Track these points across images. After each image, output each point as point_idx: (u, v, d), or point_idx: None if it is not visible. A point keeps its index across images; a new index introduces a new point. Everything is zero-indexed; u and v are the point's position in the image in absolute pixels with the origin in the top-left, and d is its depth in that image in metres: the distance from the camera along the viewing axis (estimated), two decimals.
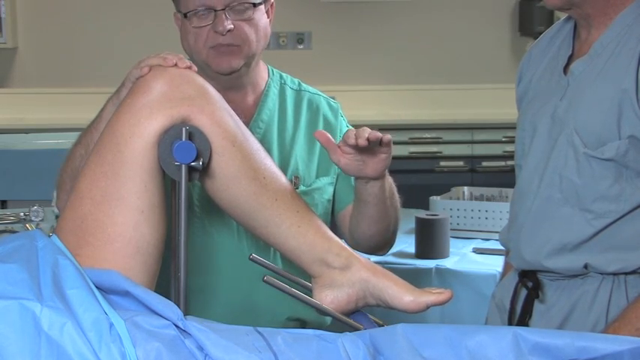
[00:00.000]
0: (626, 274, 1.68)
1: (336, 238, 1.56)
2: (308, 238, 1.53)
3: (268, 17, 1.91)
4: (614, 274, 1.69)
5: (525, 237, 1.78)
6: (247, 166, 1.50)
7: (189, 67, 1.53)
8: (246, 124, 1.93)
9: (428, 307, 1.50)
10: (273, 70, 2.02)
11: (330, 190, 1.97)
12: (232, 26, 1.82)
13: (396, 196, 1.91)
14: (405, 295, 1.50)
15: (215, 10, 1.81)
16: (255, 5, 1.85)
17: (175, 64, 1.52)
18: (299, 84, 2.03)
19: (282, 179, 1.55)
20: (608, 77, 1.67)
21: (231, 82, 1.90)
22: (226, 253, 1.87)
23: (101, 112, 1.74)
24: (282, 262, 1.83)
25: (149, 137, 1.42)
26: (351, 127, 2.02)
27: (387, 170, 1.78)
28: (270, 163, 1.55)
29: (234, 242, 1.87)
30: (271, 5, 1.93)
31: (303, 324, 1.90)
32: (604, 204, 1.67)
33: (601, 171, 1.68)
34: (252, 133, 1.92)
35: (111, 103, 1.69)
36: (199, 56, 1.86)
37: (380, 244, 1.96)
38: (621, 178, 1.66)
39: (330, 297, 1.53)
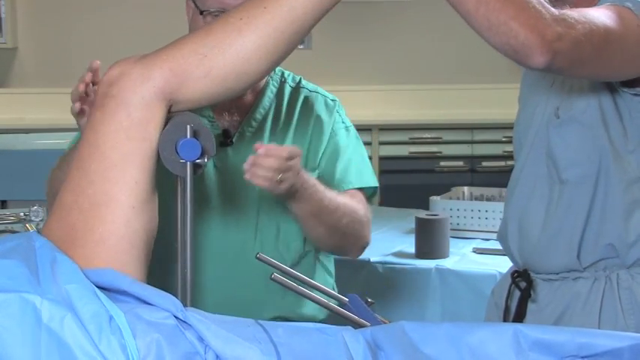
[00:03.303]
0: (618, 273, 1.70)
1: None
2: None
3: None
4: (605, 274, 1.70)
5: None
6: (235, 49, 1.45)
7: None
8: (241, 121, 1.95)
9: None
10: (275, 69, 2.03)
11: None
12: None
13: (344, 221, 1.89)
14: None
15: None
16: None
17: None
18: (299, 81, 2.04)
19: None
20: None
21: None
22: (213, 248, 1.88)
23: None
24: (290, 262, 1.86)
25: (136, 134, 1.40)
26: (348, 123, 2.04)
27: (314, 198, 1.81)
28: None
29: (222, 237, 1.88)
30: None
31: None
32: None
33: None
34: (245, 130, 1.94)
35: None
36: None
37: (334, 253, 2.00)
38: None
39: None
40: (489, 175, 5.11)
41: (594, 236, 1.70)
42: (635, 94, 1.66)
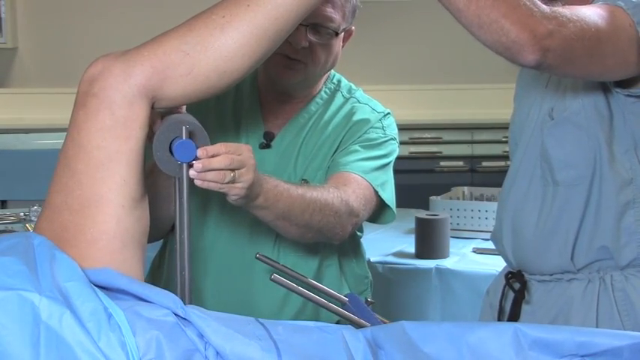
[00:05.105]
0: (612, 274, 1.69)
1: None
2: None
3: (343, 42, 1.91)
4: (600, 275, 1.70)
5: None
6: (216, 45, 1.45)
7: None
8: (282, 125, 1.92)
9: None
10: (334, 77, 1.99)
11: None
12: (307, 44, 1.82)
13: (306, 215, 1.73)
14: None
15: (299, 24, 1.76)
16: (337, 34, 1.85)
17: None
18: (353, 92, 1.99)
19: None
20: None
21: (285, 90, 1.91)
22: (215, 253, 1.86)
23: None
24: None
25: (120, 133, 1.39)
26: (389, 133, 1.99)
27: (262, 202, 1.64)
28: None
29: (246, 244, 1.86)
30: (350, 33, 1.92)
31: None
32: None
33: None
34: (285, 135, 1.91)
35: None
36: None
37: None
38: None
39: None
40: (489, 175, 5.10)
41: (588, 238, 1.69)
42: (629, 95, 1.66)
